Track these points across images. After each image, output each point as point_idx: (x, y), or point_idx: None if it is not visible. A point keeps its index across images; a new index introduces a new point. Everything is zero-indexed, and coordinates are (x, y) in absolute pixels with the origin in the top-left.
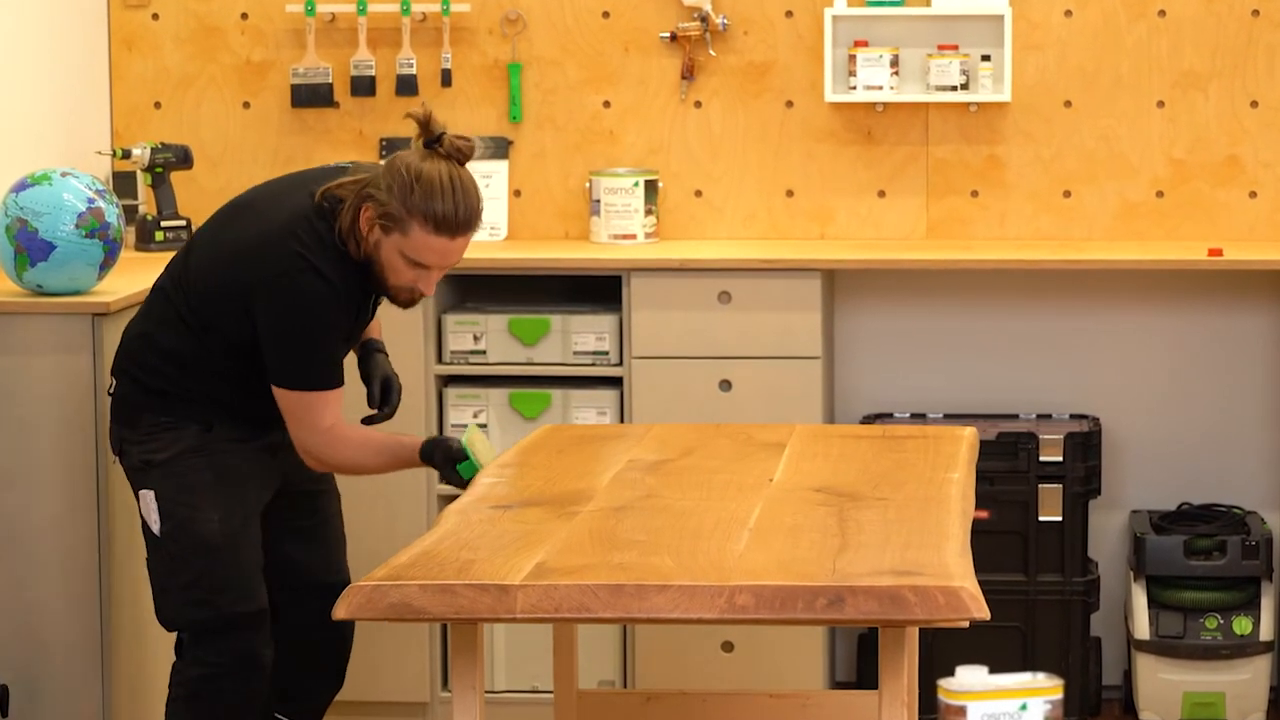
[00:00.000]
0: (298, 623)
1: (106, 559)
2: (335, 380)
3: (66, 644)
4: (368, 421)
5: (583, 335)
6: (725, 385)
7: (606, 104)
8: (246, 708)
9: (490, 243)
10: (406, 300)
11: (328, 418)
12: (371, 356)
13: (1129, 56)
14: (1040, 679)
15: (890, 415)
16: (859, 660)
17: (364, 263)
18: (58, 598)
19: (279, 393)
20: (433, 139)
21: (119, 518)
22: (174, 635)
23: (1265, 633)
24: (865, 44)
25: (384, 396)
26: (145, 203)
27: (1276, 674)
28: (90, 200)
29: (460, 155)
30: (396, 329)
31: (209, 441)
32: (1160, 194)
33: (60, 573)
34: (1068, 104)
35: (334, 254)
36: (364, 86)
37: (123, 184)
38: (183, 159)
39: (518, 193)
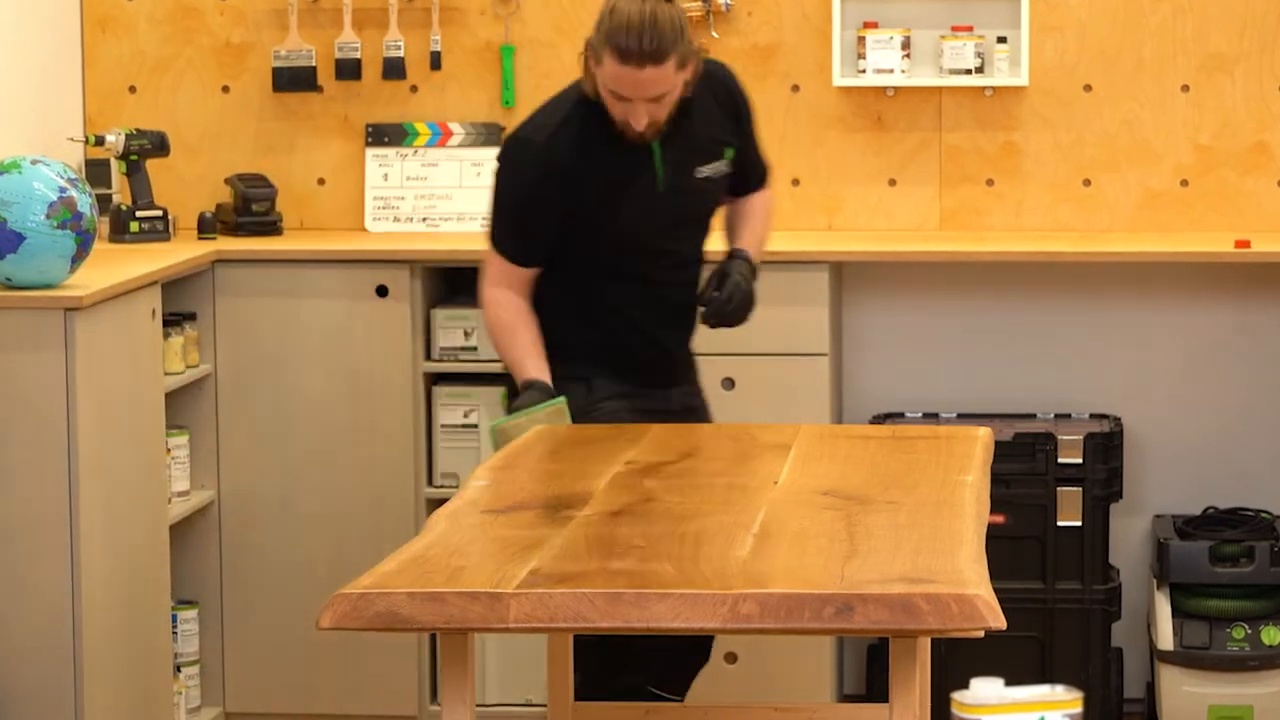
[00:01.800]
0: None
1: (78, 564)
2: (504, 247)
3: (36, 651)
4: (700, 304)
5: None
6: (728, 383)
7: None
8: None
9: (482, 234)
10: (634, 136)
11: (488, 279)
12: (728, 259)
13: (1152, 38)
14: (1059, 692)
15: (901, 415)
16: (868, 672)
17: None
18: (27, 604)
19: None
20: None
21: (91, 521)
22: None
23: None
24: (875, 25)
25: (717, 282)
26: (120, 192)
27: None
28: (62, 189)
29: None
30: (381, 323)
31: (593, 404)
32: (1185, 183)
33: (30, 578)
34: (1088, 88)
35: (572, 118)
36: (349, 69)
37: (96, 172)
38: (159, 146)
39: None
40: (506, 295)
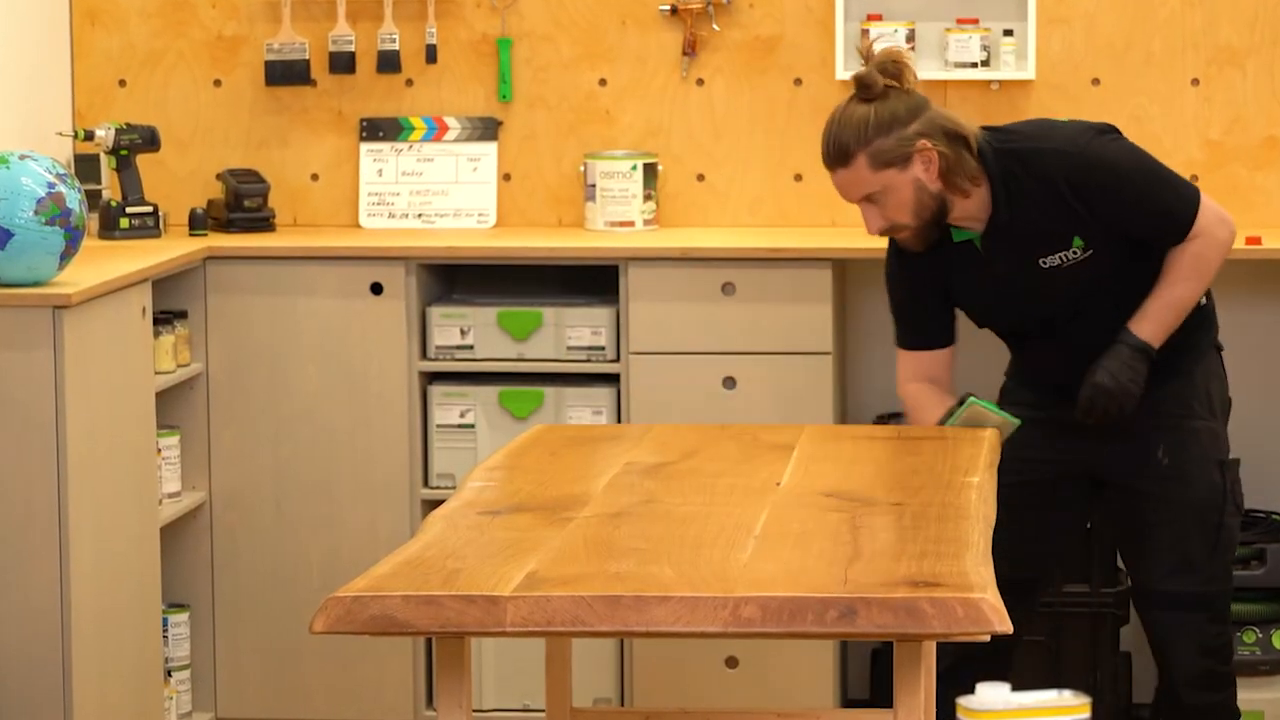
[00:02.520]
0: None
1: (67, 567)
2: (900, 339)
3: (25, 655)
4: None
5: (577, 329)
6: (729, 383)
7: (602, 82)
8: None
9: (478, 230)
10: (902, 239)
11: (900, 374)
12: (1112, 345)
13: (1161, 31)
14: (1067, 697)
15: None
16: (872, 677)
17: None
18: (15, 607)
19: None
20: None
21: (80, 523)
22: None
23: None
24: (879, 17)
25: (1091, 376)
26: (109, 187)
27: None
28: (50, 185)
29: (858, 86)
30: (376, 321)
31: (1007, 392)
32: (1195, 178)
33: (18, 581)
34: (1096, 82)
35: None
36: (343, 63)
37: (85, 167)
38: (149, 141)
39: (507, 177)
40: (907, 389)
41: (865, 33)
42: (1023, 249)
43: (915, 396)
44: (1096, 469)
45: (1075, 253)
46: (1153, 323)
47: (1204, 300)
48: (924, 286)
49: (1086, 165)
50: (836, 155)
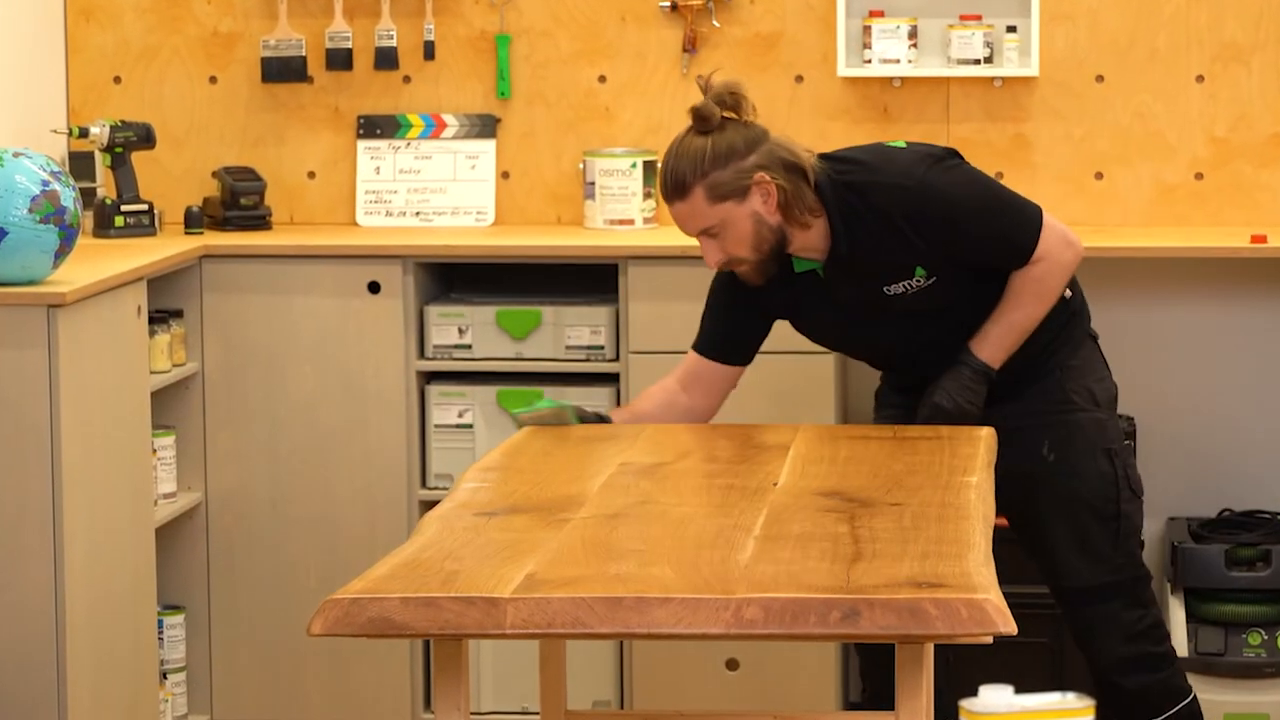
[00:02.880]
0: None
1: (61, 568)
2: (696, 341)
3: (18, 657)
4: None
5: (576, 328)
6: None
7: (602, 78)
8: None
9: (476, 229)
10: (743, 272)
11: (674, 371)
12: (952, 366)
13: (1166, 27)
14: (1071, 699)
15: None
16: None
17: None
18: (9, 609)
19: None
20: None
21: (75, 524)
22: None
23: None
24: (881, 14)
25: (929, 395)
26: (104, 185)
27: None
28: (45, 183)
29: (695, 118)
30: (373, 320)
31: (880, 395)
32: (1199, 176)
33: (12, 582)
34: (1100, 79)
35: None
36: (340, 59)
37: (80, 165)
38: (144, 138)
39: (506, 175)
40: (659, 383)
41: (700, 76)
42: (865, 279)
43: (648, 392)
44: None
45: (919, 281)
46: (993, 345)
47: (1069, 293)
48: (743, 304)
49: (923, 199)
50: (674, 188)
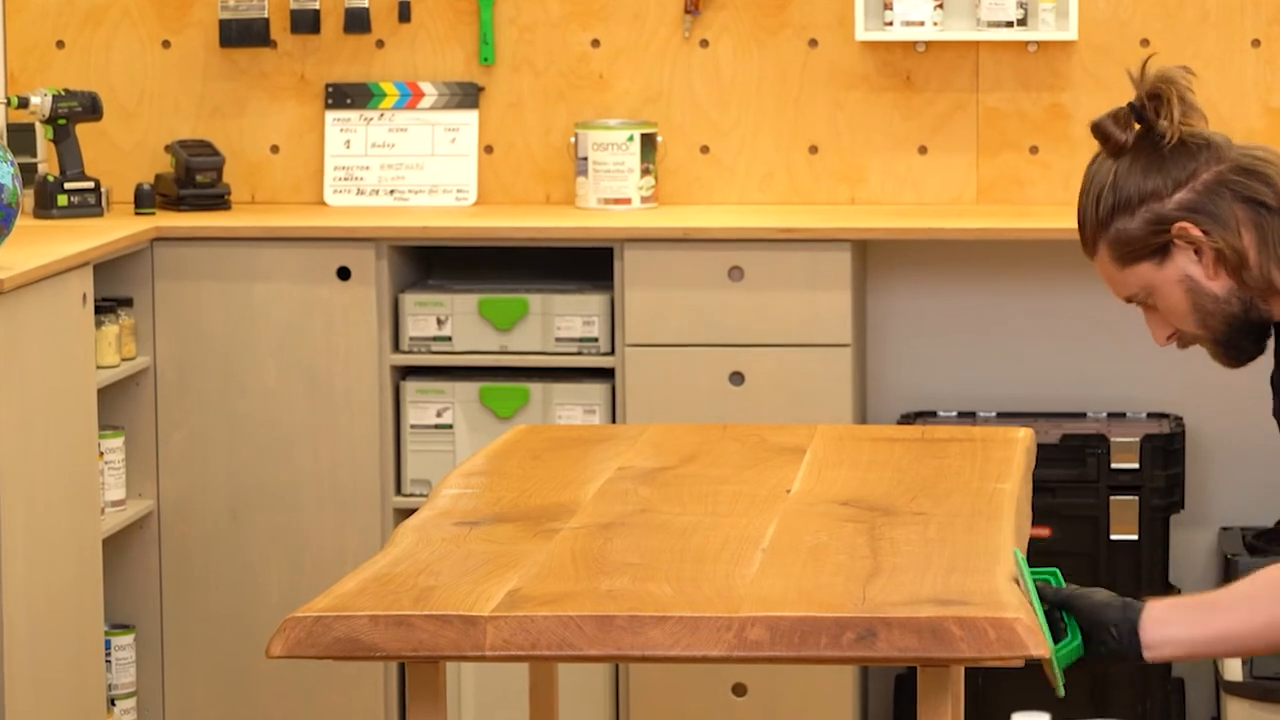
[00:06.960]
0: None
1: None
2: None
3: None
4: None
5: (567, 319)
6: (736, 378)
7: (595, 43)
8: None
9: (457, 208)
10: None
11: None
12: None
13: None
14: None
15: (933, 414)
16: (896, 705)
17: None
18: None
19: None
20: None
21: (13, 536)
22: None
23: None
24: None
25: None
26: (46, 161)
27: None
28: None
29: (1096, 135)
30: (343, 310)
31: None
32: None
33: None
34: (1144, 43)
35: None
36: (306, 22)
37: (19, 138)
38: (90, 108)
39: (489, 149)
40: None
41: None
42: None
43: None
44: None
45: None
46: (1179, 629)
47: None
48: None
49: None
50: (1082, 241)
